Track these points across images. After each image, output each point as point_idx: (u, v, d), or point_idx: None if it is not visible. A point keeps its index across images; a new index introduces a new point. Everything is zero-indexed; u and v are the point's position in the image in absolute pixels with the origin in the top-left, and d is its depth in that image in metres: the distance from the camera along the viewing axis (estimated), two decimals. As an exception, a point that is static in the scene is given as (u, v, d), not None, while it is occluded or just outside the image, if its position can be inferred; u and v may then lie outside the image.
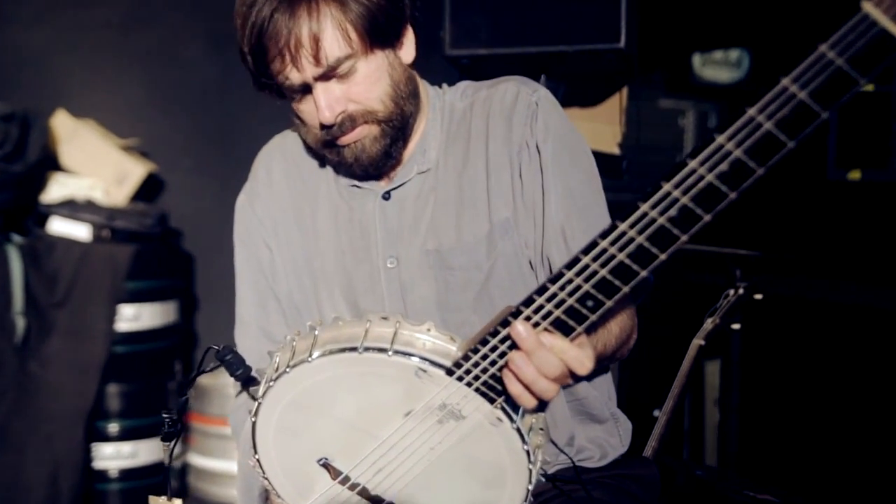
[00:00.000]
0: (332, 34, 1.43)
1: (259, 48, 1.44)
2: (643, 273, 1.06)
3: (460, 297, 1.56)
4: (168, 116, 4.06)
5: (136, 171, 3.69)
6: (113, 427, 3.50)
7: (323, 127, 1.50)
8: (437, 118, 1.62)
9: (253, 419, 1.28)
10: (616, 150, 3.40)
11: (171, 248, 3.92)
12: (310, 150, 1.65)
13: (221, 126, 4.10)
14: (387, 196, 1.61)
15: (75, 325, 3.39)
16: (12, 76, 3.79)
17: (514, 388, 1.16)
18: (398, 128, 1.53)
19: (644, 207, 1.02)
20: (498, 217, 1.55)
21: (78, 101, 3.82)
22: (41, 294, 3.34)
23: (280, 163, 1.69)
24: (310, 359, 1.21)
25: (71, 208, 3.48)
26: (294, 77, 1.45)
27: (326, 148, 1.54)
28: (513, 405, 1.19)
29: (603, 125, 3.39)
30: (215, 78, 4.03)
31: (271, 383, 1.24)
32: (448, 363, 1.18)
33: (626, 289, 1.08)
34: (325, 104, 1.46)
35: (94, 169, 3.65)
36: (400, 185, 1.60)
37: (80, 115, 3.74)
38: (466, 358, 1.17)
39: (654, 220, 1.02)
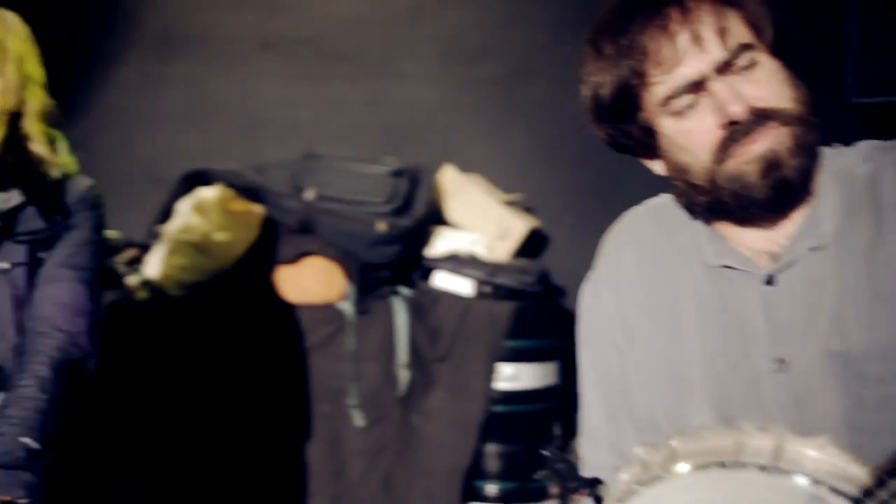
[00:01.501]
0: (735, 19, 1.23)
1: (628, 73, 1.27)
2: None
3: (877, 416, 1.20)
4: (552, 171, 3.98)
5: (519, 226, 3.62)
6: (491, 488, 3.39)
7: (726, 126, 1.23)
8: (832, 183, 1.29)
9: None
10: None
11: (552, 306, 3.78)
12: (670, 225, 1.38)
13: (606, 181, 3.93)
14: (770, 280, 1.27)
15: (456, 380, 3.35)
16: (403, 132, 3.90)
17: None
18: (808, 148, 1.25)
19: None
20: None
21: (464, 156, 3.83)
22: (425, 348, 3.33)
23: (632, 245, 1.43)
24: (665, 476, 0.95)
25: (455, 263, 3.46)
26: (683, 75, 1.23)
27: (725, 156, 1.25)
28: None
29: None
30: (600, 130, 3.89)
31: (617, 504, 0.97)
32: (855, 491, 0.87)
33: None
34: (729, 95, 1.21)
35: (477, 224, 3.63)
36: (787, 266, 1.27)
37: (466, 170, 3.75)
38: (881, 484, 0.85)
39: None
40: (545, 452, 1.17)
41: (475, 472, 3.35)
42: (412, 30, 4.04)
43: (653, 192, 1.50)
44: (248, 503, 3.15)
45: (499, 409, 3.37)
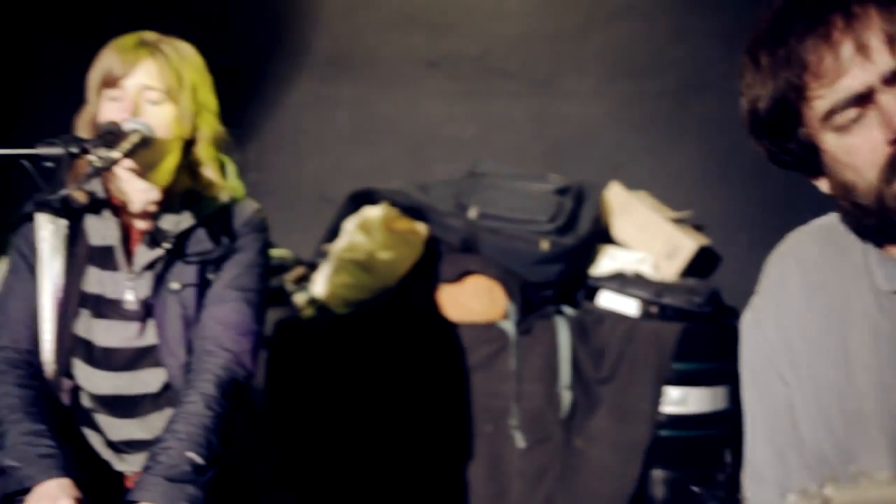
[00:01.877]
0: None
1: (785, 86, 1.20)
2: None
3: None
4: (724, 187, 3.84)
5: (687, 245, 3.50)
6: (656, 515, 3.29)
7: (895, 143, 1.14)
8: None
9: None
10: None
11: (723, 328, 3.63)
12: (837, 247, 1.29)
13: (783, 197, 3.75)
14: None
15: (620, 403, 3.26)
16: (569, 149, 3.86)
17: None
18: None
19: None
20: None
21: (631, 172, 3.75)
22: (588, 369, 3.26)
23: (796, 269, 1.34)
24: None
25: (620, 282, 3.38)
26: (847, 87, 1.15)
27: (895, 175, 1.16)
28: None
29: None
30: (775, 144, 3.73)
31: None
32: None
33: None
34: None
35: (644, 242, 3.53)
36: None
37: (633, 187, 3.66)
38: None
39: None
40: (695, 489, 1.10)
41: (640, 498, 3.25)
42: (579, 45, 4.00)
43: (835, 209, 1.41)
44: (410, 521, 3.17)
45: (665, 433, 3.26)
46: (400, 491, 3.15)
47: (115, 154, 1.77)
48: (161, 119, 1.96)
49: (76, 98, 2.01)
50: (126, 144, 1.82)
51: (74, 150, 1.75)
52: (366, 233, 3.15)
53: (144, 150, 1.91)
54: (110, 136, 1.83)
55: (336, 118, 3.98)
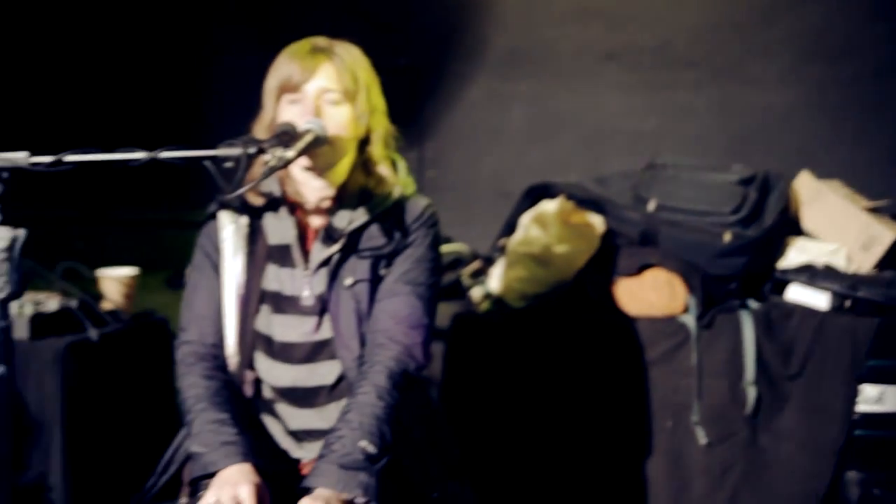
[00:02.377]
0: None
1: None
2: None
3: None
4: (925, 174, 3.62)
5: (886, 235, 3.31)
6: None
7: None
8: None
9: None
10: None
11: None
12: None
13: None
14: None
15: (810, 400, 3.13)
16: (754, 138, 3.73)
17: None
18: None
19: None
20: None
21: (822, 161, 3.59)
22: (774, 364, 3.14)
23: None
24: None
25: (810, 275, 3.24)
26: None
27: None
28: None
29: None
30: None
31: None
32: None
33: None
34: None
35: (836, 233, 3.37)
36: None
37: (824, 175, 3.50)
38: None
39: None
40: (877, 492, 1.04)
41: (833, 500, 3.11)
42: (766, 30, 3.86)
43: None
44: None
45: (860, 433, 3.10)
46: (578, 486, 3.13)
47: (289, 153, 1.85)
48: (339, 120, 2.03)
49: (253, 102, 2.11)
50: (300, 144, 1.88)
51: (252, 150, 1.84)
52: (542, 227, 3.15)
53: (323, 150, 1.98)
54: (286, 136, 1.91)
55: (513, 113, 4.00)
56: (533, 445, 3.11)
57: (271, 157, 1.83)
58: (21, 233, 1.78)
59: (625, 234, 3.29)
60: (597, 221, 3.25)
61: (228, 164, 1.89)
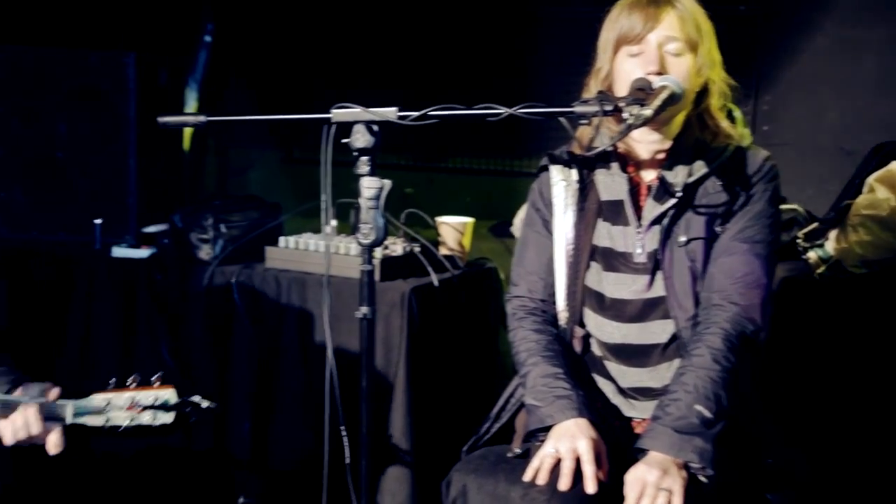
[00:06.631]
0: None
1: None
2: None
3: None
4: None
5: None
6: None
7: None
8: None
9: None
10: None
11: None
12: None
13: None
14: None
15: None
16: None
17: None
18: None
19: None
20: None
21: None
22: None
23: None
24: None
25: None
26: None
27: None
28: None
29: None
30: None
31: None
32: None
33: None
34: None
35: None
36: None
37: None
38: None
39: None
40: None
41: None
42: None
43: None
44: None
45: None
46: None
47: (647, 111, 1.80)
48: (682, 71, 1.97)
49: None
50: (657, 102, 1.83)
51: (609, 108, 1.82)
52: (891, 188, 2.90)
53: (671, 106, 1.90)
54: (641, 92, 1.87)
55: (862, 63, 3.69)
56: (868, 416, 2.90)
57: (628, 114, 1.80)
58: (387, 183, 1.88)
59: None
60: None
61: (583, 122, 1.90)
